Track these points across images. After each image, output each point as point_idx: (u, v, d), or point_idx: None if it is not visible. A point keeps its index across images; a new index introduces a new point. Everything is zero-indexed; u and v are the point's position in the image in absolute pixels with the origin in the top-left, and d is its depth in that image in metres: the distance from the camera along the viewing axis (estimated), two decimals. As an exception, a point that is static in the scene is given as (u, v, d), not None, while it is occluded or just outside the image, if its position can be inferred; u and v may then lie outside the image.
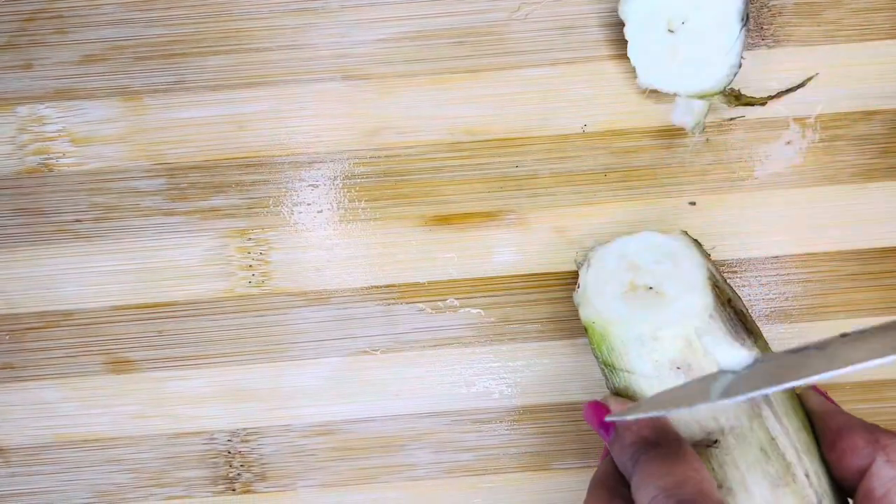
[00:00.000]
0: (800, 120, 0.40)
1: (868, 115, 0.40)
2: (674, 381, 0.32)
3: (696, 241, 0.36)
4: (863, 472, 0.28)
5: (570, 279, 0.41)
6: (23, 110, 0.41)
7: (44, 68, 0.41)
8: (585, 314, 0.34)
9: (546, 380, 0.41)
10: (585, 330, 0.35)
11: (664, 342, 0.32)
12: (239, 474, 0.41)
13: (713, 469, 0.31)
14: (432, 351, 0.41)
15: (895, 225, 0.40)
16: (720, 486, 0.30)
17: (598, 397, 0.40)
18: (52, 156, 0.41)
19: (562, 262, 0.41)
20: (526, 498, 0.41)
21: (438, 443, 0.41)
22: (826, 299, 0.40)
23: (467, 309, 0.41)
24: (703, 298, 0.33)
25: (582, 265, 0.36)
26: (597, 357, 0.35)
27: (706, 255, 0.35)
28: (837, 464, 0.30)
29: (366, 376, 0.41)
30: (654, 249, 0.35)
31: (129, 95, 0.41)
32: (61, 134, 0.41)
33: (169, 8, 0.41)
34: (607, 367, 0.34)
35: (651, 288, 0.34)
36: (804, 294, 0.40)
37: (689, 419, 0.31)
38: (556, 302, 0.41)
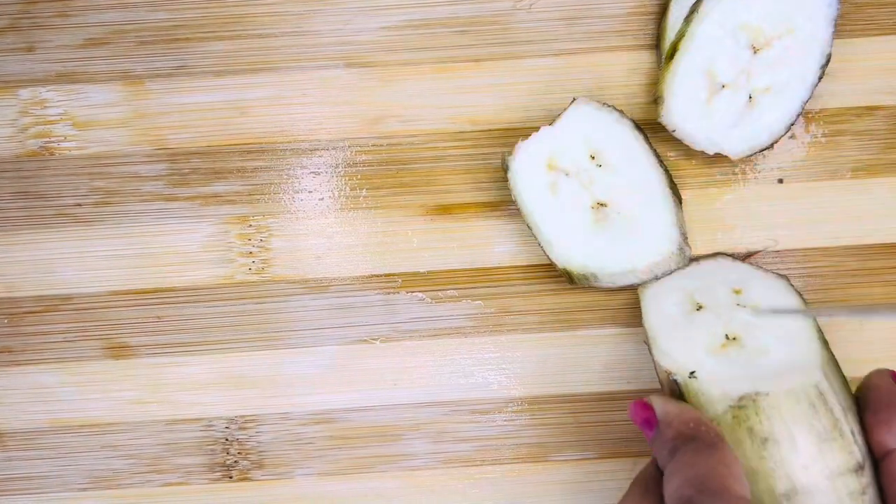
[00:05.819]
0: (803, 114, 0.40)
1: (871, 110, 0.40)
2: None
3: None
4: None
5: (571, 270, 0.40)
6: (24, 93, 0.41)
7: (46, 51, 0.41)
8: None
9: (545, 371, 0.40)
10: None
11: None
12: (236, 461, 0.41)
13: (760, 422, 0.31)
14: (431, 341, 0.41)
15: (897, 221, 0.40)
16: (766, 440, 0.31)
17: (604, 389, 0.41)
18: (53, 139, 0.41)
19: (563, 254, 0.40)
20: (524, 489, 0.41)
21: (436, 433, 0.41)
22: (827, 295, 0.40)
23: (467, 299, 0.41)
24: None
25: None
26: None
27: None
28: (875, 427, 0.31)
29: (364, 365, 0.41)
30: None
31: (131, 80, 0.41)
32: (63, 117, 0.41)
33: (172, -7, 0.41)
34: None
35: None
36: (805, 289, 0.40)
37: (740, 372, 0.32)
38: (556, 293, 0.41)
